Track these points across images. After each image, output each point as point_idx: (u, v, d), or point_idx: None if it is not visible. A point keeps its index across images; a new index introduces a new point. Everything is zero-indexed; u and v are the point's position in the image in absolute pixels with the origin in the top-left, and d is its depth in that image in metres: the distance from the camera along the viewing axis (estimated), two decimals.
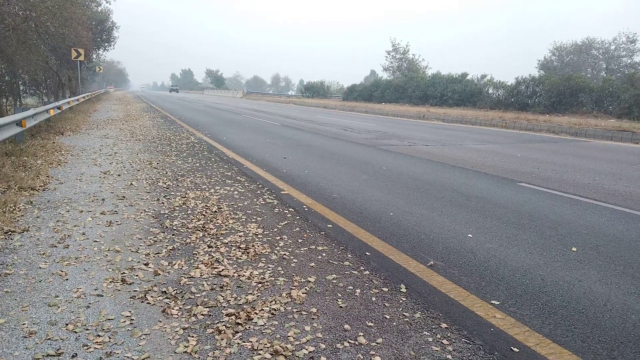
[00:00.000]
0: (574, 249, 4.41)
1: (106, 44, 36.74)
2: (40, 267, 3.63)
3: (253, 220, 5.06)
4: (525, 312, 3.17)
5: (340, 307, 3.16)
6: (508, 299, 3.36)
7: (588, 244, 4.57)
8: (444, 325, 2.96)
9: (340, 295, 3.34)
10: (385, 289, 3.45)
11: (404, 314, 3.09)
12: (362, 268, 3.83)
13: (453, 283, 3.60)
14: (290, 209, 5.55)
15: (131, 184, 6.66)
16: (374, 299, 3.29)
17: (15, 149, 8.84)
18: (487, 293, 3.45)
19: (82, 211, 5.20)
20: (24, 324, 2.79)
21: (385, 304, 3.21)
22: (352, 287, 3.47)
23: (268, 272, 3.69)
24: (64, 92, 28.05)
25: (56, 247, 4.08)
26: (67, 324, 2.80)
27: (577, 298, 3.40)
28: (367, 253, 4.18)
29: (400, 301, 3.27)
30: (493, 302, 3.30)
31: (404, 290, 3.44)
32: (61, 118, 16.24)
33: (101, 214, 5.12)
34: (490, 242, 4.57)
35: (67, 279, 3.44)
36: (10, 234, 4.33)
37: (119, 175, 7.25)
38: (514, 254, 4.26)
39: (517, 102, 30.47)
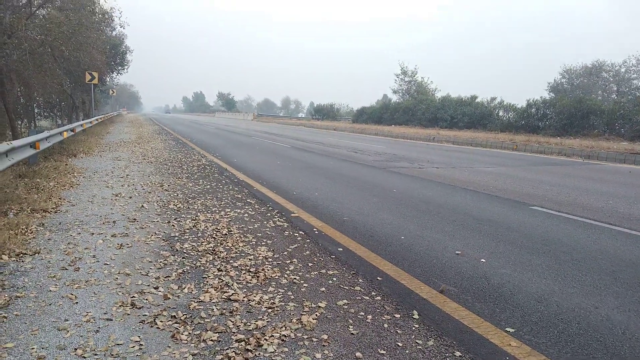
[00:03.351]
0: (586, 274, 4.32)
1: (120, 68, 37.39)
2: (50, 290, 3.62)
3: (263, 243, 5.04)
4: (541, 340, 3.10)
5: (352, 333, 3.10)
6: (523, 326, 3.28)
7: (604, 270, 4.48)
8: (457, 353, 2.89)
9: (351, 321, 3.29)
10: (398, 315, 3.39)
11: (417, 341, 3.02)
12: (373, 293, 3.78)
13: (467, 309, 3.53)
14: (301, 232, 5.52)
15: (142, 206, 6.69)
16: (385, 325, 3.23)
17: (29, 171, 8.95)
18: (501, 320, 3.38)
19: (93, 233, 5.21)
20: (32, 348, 2.77)
21: (398, 331, 3.15)
22: (363, 313, 3.41)
23: (278, 296, 3.65)
24: (77, 114, 28.51)
25: (67, 269, 4.08)
26: (75, 349, 2.78)
27: (594, 326, 3.31)
28: (378, 278, 4.13)
29: (413, 328, 3.21)
30: (508, 329, 3.23)
31: (416, 316, 3.38)
32: (74, 140, 16.46)
33: (112, 236, 5.13)
34: (504, 267, 4.49)
35: (77, 302, 3.43)
36: (21, 256, 4.34)
37: (130, 198, 7.28)
38: (528, 279, 4.18)
39: (528, 124, 30.39)
